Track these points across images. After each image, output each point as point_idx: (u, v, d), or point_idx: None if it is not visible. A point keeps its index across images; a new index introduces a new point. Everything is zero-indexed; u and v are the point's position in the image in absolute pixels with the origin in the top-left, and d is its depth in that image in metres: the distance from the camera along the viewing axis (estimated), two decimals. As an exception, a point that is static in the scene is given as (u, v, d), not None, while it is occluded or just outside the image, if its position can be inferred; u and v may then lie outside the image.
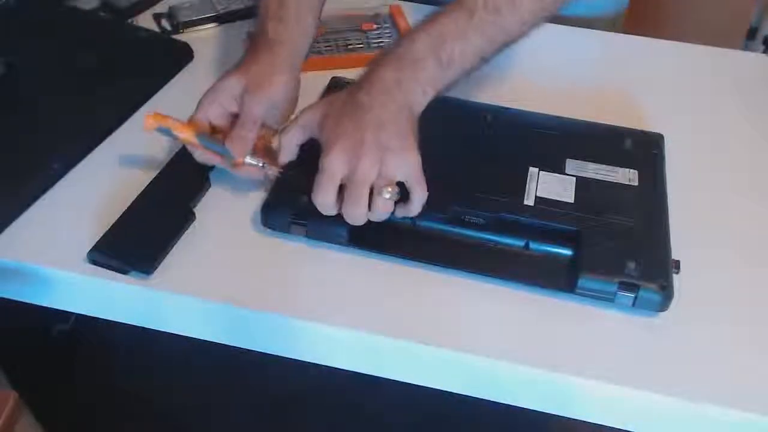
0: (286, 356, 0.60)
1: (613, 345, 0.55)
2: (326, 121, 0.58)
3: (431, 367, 0.57)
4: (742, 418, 0.52)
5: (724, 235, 0.64)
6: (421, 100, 0.58)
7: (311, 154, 0.63)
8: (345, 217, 0.57)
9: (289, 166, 0.62)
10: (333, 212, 0.57)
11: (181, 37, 0.82)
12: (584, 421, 0.57)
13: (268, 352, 0.61)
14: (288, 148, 0.60)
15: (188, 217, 0.61)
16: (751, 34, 1.51)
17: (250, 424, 1.19)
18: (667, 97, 0.78)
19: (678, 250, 0.58)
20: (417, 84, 0.58)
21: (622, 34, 0.86)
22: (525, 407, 0.58)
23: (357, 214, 0.56)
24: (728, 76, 0.81)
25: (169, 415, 1.20)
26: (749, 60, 0.88)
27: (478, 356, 0.54)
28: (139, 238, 0.59)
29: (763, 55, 1.01)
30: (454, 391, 0.58)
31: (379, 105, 0.56)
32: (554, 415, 0.58)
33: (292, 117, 0.63)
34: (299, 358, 0.60)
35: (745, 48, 1.50)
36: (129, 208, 0.61)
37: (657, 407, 0.53)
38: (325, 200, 0.56)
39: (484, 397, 0.58)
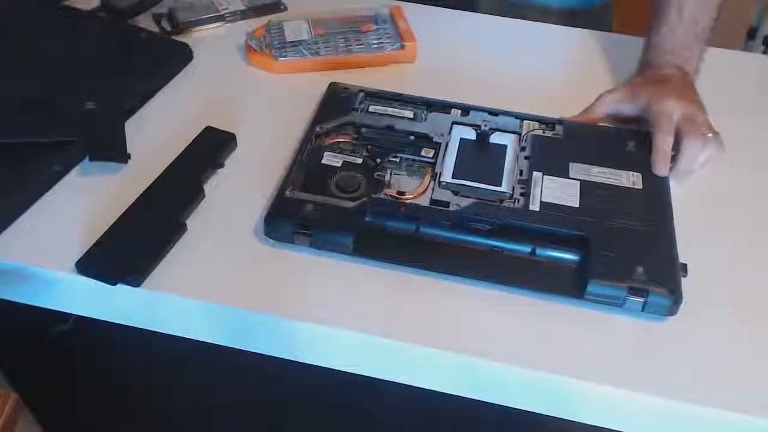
0: (287, 358, 0.60)
1: (622, 349, 0.55)
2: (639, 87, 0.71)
3: (435, 371, 0.57)
4: (752, 422, 0.52)
5: (729, 235, 0.63)
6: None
7: (313, 165, 0.64)
8: (685, 151, 0.65)
9: (292, 174, 0.62)
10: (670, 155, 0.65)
11: (181, 37, 0.82)
12: (586, 424, 0.57)
13: (268, 354, 0.61)
14: (606, 103, 0.72)
15: (179, 230, 0.60)
16: (751, 34, 1.51)
17: (250, 424, 1.19)
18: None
19: (684, 252, 0.58)
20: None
21: (622, 35, 0.86)
22: (530, 410, 0.58)
23: (699, 146, 0.65)
24: (728, 76, 0.81)
25: (169, 415, 1.20)
26: (749, 60, 0.88)
27: (484, 360, 0.54)
28: (127, 251, 0.58)
29: (763, 55, 1.01)
30: (458, 394, 0.58)
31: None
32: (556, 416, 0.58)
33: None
34: (301, 361, 0.60)
35: (745, 48, 1.50)
36: (119, 218, 0.60)
37: (665, 411, 0.53)
38: (668, 141, 0.65)
39: (489, 401, 0.58)
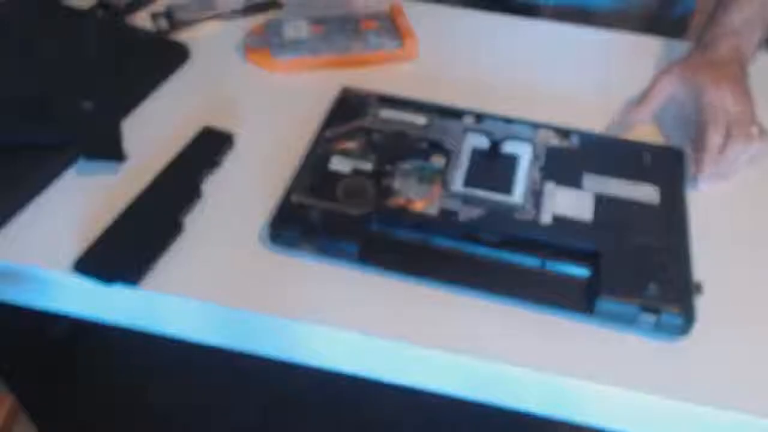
0: (288, 359, 0.60)
1: (631, 358, 0.54)
2: (697, 69, 0.68)
3: (436, 372, 0.57)
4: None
5: (747, 251, 0.62)
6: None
7: (321, 170, 0.64)
8: (730, 153, 0.64)
9: (298, 178, 0.62)
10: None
11: (179, 36, 0.81)
12: (588, 424, 0.57)
13: (269, 355, 0.60)
14: (666, 86, 0.69)
15: (176, 229, 0.60)
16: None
17: (249, 424, 1.19)
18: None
19: (699, 270, 0.57)
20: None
21: (622, 35, 0.85)
22: (531, 411, 0.57)
23: (741, 149, 0.64)
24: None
25: (169, 415, 1.20)
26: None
27: (486, 362, 0.54)
28: (124, 250, 0.58)
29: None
30: (459, 395, 0.58)
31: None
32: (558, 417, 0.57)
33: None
34: (302, 362, 0.59)
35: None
36: (116, 218, 0.60)
37: (670, 412, 0.53)
38: (719, 139, 0.64)
39: (490, 402, 0.57)
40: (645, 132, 0.71)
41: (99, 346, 1.26)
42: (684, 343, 0.54)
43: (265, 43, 0.79)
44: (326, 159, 0.65)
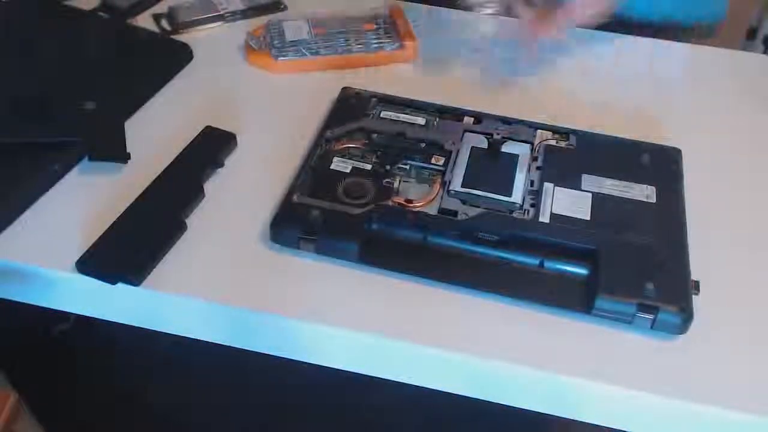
0: (288, 357, 0.60)
1: (629, 357, 0.54)
2: None
3: (436, 370, 0.57)
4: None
5: (743, 250, 0.62)
6: None
7: (322, 170, 0.64)
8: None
9: (299, 179, 0.62)
10: None
11: (181, 37, 0.82)
12: (588, 423, 0.57)
13: (268, 354, 0.61)
14: None
15: (179, 229, 0.60)
16: (751, 34, 1.51)
17: (249, 424, 1.19)
18: (666, 98, 0.77)
19: (697, 269, 0.57)
20: None
21: (623, 37, 0.86)
22: (531, 409, 0.58)
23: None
24: (728, 77, 0.81)
25: (169, 415, 1.20)
26: (749, 60, 0.88)
27: (486, 360, 0.54)
28: (127, 249, 0.58)
29: (763, 55, 1.01)
30: (459, 393, 0.58)
31: None
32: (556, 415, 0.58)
33: None
34: (302, 360, 0.60)
35: (745, 48, 1.50)
36: (119, 218, 0.60)
37: (668, 410, 0.53)
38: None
39: (490, 400, 0.58)
40: (645, 132, 0.71)
41: (99, 346, 1.26)
42: (683, 341, 0.55)
43: (266, 45, 0.80)
44: (327, 159, 0.65)
